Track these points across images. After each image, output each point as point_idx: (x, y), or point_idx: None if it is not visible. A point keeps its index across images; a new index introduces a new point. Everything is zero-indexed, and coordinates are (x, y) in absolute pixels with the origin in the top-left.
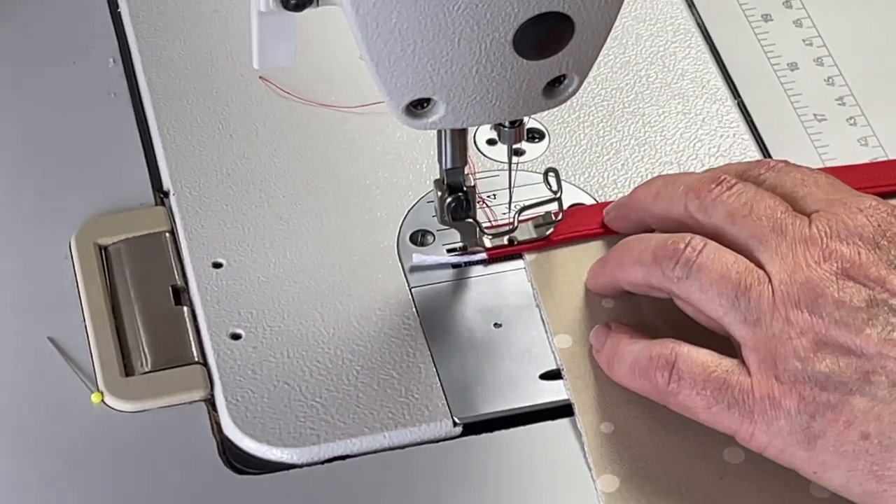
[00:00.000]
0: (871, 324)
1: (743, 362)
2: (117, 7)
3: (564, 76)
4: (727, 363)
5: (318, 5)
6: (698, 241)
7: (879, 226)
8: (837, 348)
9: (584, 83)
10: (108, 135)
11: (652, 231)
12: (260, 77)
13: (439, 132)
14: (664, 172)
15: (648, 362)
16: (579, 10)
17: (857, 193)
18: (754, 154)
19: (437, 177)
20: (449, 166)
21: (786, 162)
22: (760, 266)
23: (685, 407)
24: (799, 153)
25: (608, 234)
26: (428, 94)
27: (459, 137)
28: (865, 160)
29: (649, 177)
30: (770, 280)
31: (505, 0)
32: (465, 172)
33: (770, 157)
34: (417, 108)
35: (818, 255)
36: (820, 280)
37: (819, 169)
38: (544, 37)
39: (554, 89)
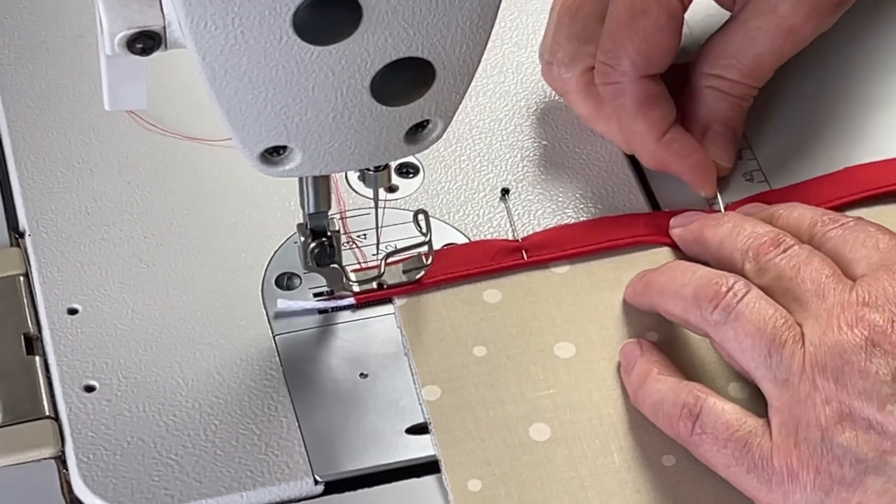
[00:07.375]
0: (895, 400)
1: (768, 422)
2: None
3: (428, 121)
4: (751, 423)
5: (166, 49)
6: (741, 285)
7: None
8: (859, 422)
9: (461, 116)
10: None
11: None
12: None
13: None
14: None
15: (672, 408)
16: (440, 54)
17: None
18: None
19: (301, 220)
20: (312, 211)
21: (858, 219)
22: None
23: (706, 460)
24: None
25: (480, 274)
26: (283, 142)
27: (322, 182)
28: None
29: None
30: (803, 340)
31: (360, 46)
32: (331, 215)
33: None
34: (273, 155)
35: (851, 318)
36: (848, 345)
37: None
38: (403, 83)
39: (417, 134)
